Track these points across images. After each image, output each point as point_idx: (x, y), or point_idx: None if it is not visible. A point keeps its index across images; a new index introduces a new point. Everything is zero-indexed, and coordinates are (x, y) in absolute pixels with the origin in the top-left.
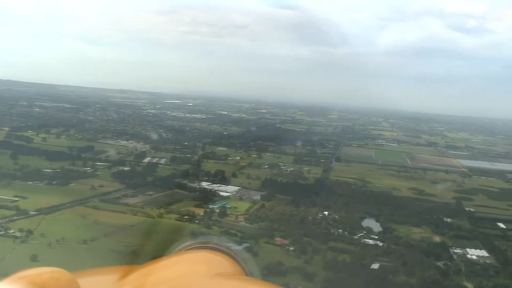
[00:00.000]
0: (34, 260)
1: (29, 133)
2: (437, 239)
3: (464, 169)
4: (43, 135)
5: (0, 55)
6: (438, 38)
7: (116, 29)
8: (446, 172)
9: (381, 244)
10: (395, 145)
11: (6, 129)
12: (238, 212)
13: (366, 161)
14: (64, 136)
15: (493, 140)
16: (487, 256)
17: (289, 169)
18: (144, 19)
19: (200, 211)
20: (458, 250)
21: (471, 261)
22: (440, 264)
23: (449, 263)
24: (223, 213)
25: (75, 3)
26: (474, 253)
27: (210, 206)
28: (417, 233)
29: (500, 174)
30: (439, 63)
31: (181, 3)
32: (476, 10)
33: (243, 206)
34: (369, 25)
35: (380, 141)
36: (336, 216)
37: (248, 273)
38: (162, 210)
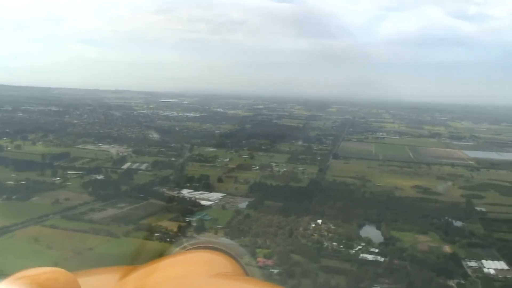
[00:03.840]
0: None
1: (3, 141)
2: (447, 249)
3: (471, 161)
4: (18, 142)
5: None
6: (439, 26)
7: (112, 30)
8: (452, 165)
9: (382, 259)
10: (397, 137)
11: None
12: (218, 225)
13: (366, 157)
14: (40, 143)
15: (498, 128)
16: (507, 269)
17: (281, 170)
18: (141, 19)
19: (174, 226)
20: (472, 263)
21: (488, 276)
22: (453, 284)
23: (463, 282)
24: (201, 227)
25: (71, 5)
26: (491, 266)
27: (187, 219)
28: (424, 242)
29: (510, 165)
30: (440, 51)
31: (178, 1)
32: None
33: (226, 216)
34: (369, 16)
35: (381, 134)
36: (331, 225)
37: (248, 273)
38: (131, 227)
